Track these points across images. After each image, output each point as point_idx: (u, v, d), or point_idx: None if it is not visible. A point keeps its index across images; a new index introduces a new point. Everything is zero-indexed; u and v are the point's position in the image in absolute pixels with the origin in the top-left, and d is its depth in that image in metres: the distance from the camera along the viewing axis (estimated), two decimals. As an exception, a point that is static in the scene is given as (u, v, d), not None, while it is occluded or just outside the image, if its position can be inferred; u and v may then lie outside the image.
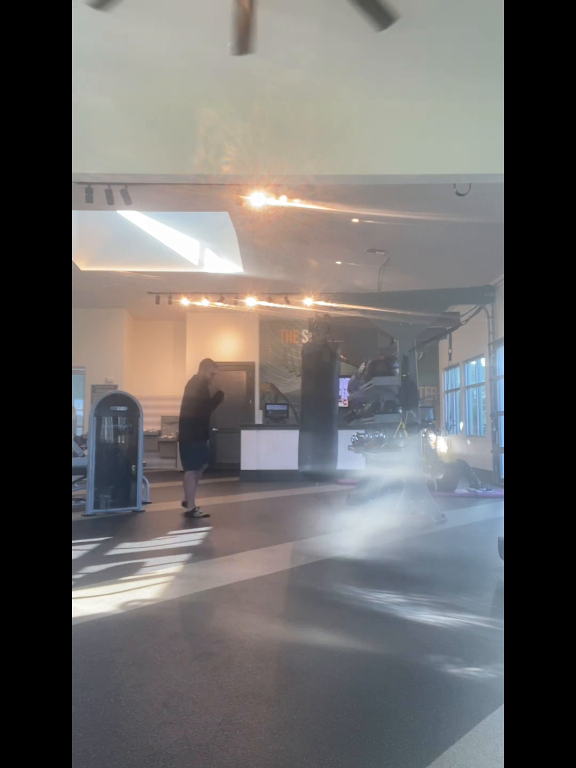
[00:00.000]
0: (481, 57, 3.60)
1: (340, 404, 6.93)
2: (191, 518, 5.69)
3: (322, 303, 9.07)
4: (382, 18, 2.63)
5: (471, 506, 6.83)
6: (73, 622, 2.69)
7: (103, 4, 2.57)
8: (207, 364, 6.07)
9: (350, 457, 7.60)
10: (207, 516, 5.74)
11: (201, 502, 6.66)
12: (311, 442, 5.79)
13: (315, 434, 5.78)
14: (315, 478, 6.60)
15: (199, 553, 4.26)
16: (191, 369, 8.62)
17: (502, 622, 2.65)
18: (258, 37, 2.73)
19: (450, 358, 7.48)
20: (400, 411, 6.08)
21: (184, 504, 5.94)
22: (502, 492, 7.38)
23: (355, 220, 6.74)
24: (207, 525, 5.38)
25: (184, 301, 10.42)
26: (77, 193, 5.52)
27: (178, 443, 6.27)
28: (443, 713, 1.90)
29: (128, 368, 11.89)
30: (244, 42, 2.67)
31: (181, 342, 11.88)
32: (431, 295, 6.29)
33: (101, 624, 2.73)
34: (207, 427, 6.03)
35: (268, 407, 10.81)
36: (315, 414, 5.86)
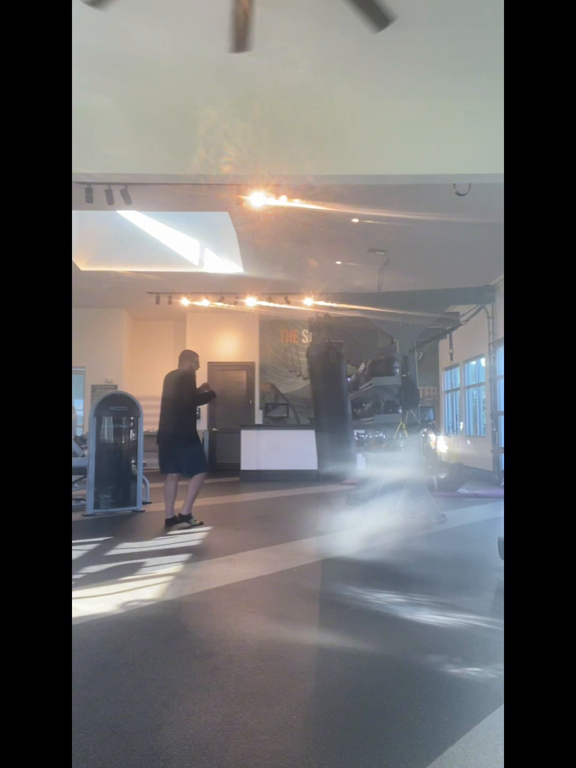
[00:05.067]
0: (481, 57, 3.59)
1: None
2: (189, 524, 5.38)
3: (322, 303, 9.06)
4: (379, 18, 2.63)
5: (471, 506, 6.83)
6: (73, 622, 2.69)
7: (99, 2, 2.58)
8: (191, 355, 5.70)
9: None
10: (201, 523, 5.42)
11: (202, 502, 6.67)
12: (328, 443, 5.80)
13: (331, 435, 5.79)
14: (336, 478, 6.65)
15: (199, 553, 4.26)
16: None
17: (502, 622, 2.65)
18: (257, 36, 2.73)
19: (452, 358, 7.48)
20: (400, 411, 6.09)
21: (180, 517, 5.41)
22: (501, 492, 7.38)
23: (355, 220, 6.75)
24: (206, 526, 5.38)
25: (184, 301, 10.43)
26: (77, 193, 5.52)
27: (175, 447, 5.60)
28: (443, 713, 1.90)
29: (128, 368, 11.89)
30: (242, 40, 2.67)
31: (181, 342, 11.87)
32: (431, 295, 6.29)
33: (101, 624, 2.74)
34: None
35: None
36: (329, 416, 5.87)
